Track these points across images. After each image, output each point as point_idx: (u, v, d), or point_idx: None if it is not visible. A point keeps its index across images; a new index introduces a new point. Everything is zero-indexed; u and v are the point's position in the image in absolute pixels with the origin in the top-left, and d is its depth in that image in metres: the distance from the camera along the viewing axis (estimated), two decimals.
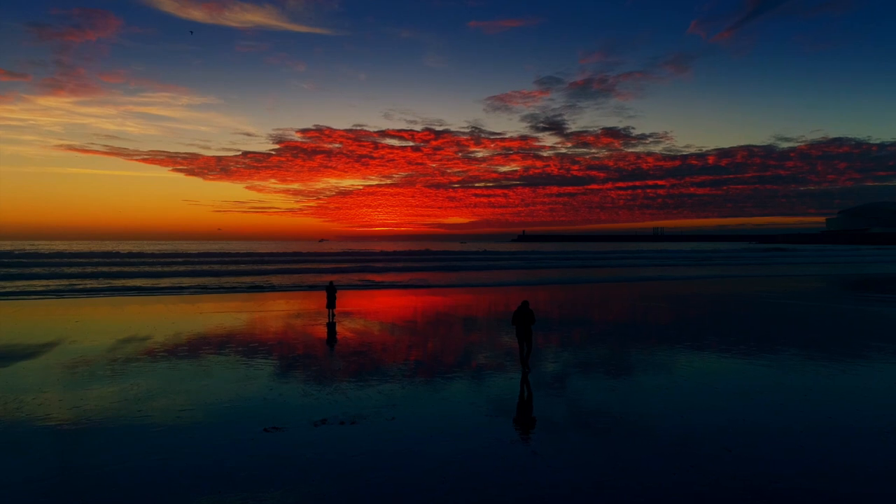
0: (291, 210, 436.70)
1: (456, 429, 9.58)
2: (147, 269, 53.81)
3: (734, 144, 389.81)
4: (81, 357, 15.39)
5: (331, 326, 21.58)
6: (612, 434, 9.31)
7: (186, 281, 41.63)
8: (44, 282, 38.71)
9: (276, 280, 44.24)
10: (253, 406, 10.87)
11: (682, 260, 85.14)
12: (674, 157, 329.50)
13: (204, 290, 36.05)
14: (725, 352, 16.15)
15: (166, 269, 54.17)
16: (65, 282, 38.92)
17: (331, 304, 23.47)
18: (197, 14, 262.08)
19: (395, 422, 9.90)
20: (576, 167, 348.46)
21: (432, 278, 48.21)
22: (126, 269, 53.48)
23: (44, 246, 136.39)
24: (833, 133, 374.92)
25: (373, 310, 26.79)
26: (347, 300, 30.01)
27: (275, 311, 25.74)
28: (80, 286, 36.61)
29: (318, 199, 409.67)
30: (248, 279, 44.28)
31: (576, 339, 18.53)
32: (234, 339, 18.16)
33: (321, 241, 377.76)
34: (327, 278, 46.57)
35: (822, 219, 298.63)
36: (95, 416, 10.21)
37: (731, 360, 15.12)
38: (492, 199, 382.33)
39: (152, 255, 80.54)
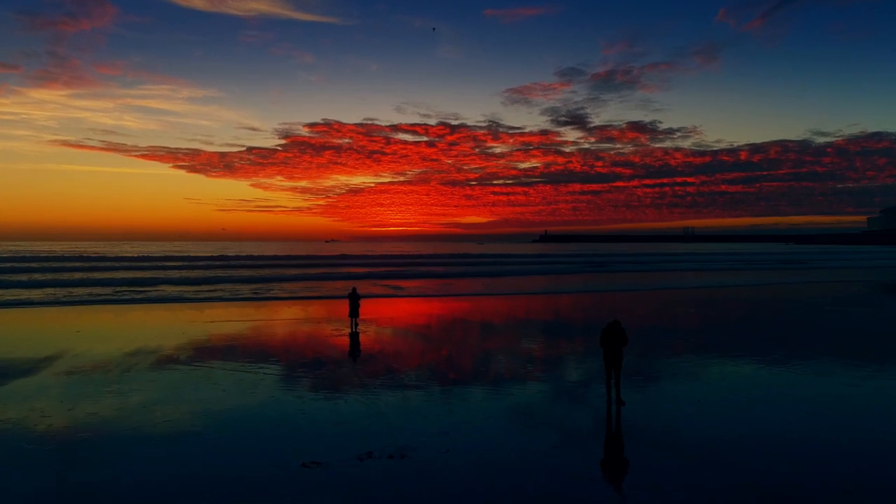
0: (299, 209, 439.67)
1: (525, 464, 8.71)
2: (149, 274, 53.62)
3: (767, 139, 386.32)
4: (86, 372, 14.75)
5: (354, 337, 20.97)
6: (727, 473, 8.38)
7: (193, 289, 41.19)
8: (39, 290, 38.46)
9: (289, 287, 43.72)
10: (285, 435, 10.09)
11: (722, 263, 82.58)
12: (703, 153, 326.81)
13: (212, 295, 35.51)
14: (796, 368, 15.12)
15: (169, 274, 53.93)
16: (63, 290, 38.65)
17: (353, 312, 22.71)
18: (198, 2, 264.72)
19: (452, 455, 9.06)
20: (600, 163, 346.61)
21: (457, 284, 47.43)
22: (128, 274, 53.31)
23: (38, 247, 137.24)
24: (872, 127, 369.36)
25: (397, 318, 26.01)
26: (368, 307, 29.21)
27: (291, 320, 25.07)
28: (80, 293, 36.27)
29: (328, 197, 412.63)
30: (260, 286, 43.80)
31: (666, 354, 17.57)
32: (250, 352, 17.46)
33: (328, 241, 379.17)
34: (341, 284, 45.92)
35: (861, 218, 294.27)
36: (103, 440, 9.49)
37: (782, 370, 14.11)
38: (511, 198, 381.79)
39: (154, 258, 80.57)
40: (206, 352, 17.66)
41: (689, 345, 18.88)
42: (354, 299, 22.93)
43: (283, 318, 25.77)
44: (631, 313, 27.57)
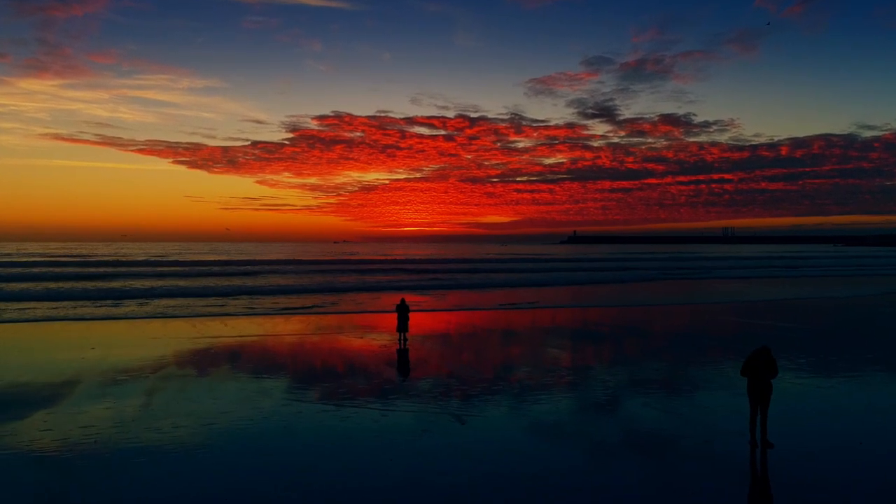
0: (309, 207, 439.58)
1: None
2: (160, 282, 53.28)
3: (810, 133, 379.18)
4: (117, 404, 13.69)
5: (403, 354, 20.16)
6: None
7: (211, 301, 40.50)
8: (42, 303, 37.87)
9: (316, 298, 42.93)
10: (388, 494, 8.86)
11: (800, 270, 76.73)
12: (742, 148, 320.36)
13: (235, 309, 34.63)
14: None
15: (192, 282, 53.46)
16: (68, 303, 38.09)
17: (402, 326, 21.83)
18: None
19: None
20: (630, 159, 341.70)
21: (508, 293, 46.30)
22: (138, 282, 52.97)
23: (29, 248, 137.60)
24: None
25: (448, 333, 24.92)
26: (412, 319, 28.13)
27: (329, 336, 24.02)
28: (86, 305, 35.71)
29: (339, 194, 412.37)
30: (281, 299, 43.00)
31: None
32: (292, 374, 16.43)
33: (336, 242, 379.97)
34: (367, 296, 44.99)
35: None
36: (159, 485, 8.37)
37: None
38: (536, 196, 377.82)
39: (159, 263, 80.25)
40: (241, 371, 16.66)
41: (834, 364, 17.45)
42: (403, 312, 21.95)
43: (319, 333, 24.70)
44: (743, 328, 26.16)
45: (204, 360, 18.60)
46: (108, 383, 15.54)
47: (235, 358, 19.06)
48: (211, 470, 9.62)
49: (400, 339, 21.82)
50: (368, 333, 24.54)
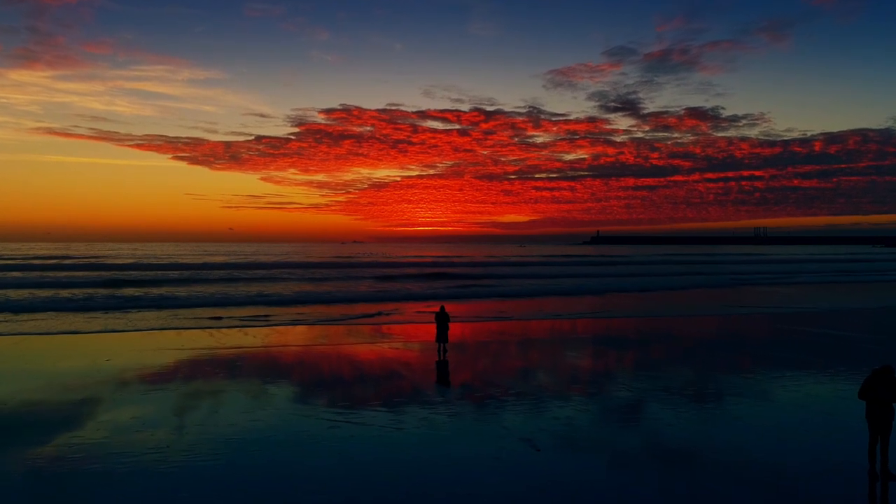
0: (316, 206, 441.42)
1: None
2: (162, 288, 53.20)
3: (844, 128, 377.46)
4: (145, 425, 13.12)
5: (443, 366, 19.67)
6: None
7: (219, 311, 40.14)
8: (35, 314, 37.63)
9: (341, 308, 42.52)
10: None
11: (860, 275, 75.02)
12: (773, 143, 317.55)
13: (253, 319, 34.19)
14: None
15: (189, 287, 53.34)
16: (70, 311, 37.80)
17: (442, 336, 21.30)
18: None
19: None
20: (655, 155, 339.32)
21: (546, 301, 45.66)
22: (138, 288, 52.88)
23: (23, 250, 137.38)
24: None
25: (488, 342, 24.24)
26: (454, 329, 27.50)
27: (354, 347, 23.42)
28: (97, 315, 35.43)
29: (347, 192, 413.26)
30: (303, 310, 42.50)
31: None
32: (331, 390, 15.93)
33: (343, 243, 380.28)
34: (395, 305, 44.44)
35: None
36: None
37: None
38: (556, 194, 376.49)
39: (161, 265, 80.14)
40: (272, 386, 16.13)
41: None
42: (443, 321, 21.42)
43: (349, 344, 24.13)
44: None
45: (231, 374, 18.05)
46: (132, 401, 14.98)
47: (264, 371, 18.52)
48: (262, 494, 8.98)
49: (439, 350, 21.28)
50: (402, 343, 23.92)
